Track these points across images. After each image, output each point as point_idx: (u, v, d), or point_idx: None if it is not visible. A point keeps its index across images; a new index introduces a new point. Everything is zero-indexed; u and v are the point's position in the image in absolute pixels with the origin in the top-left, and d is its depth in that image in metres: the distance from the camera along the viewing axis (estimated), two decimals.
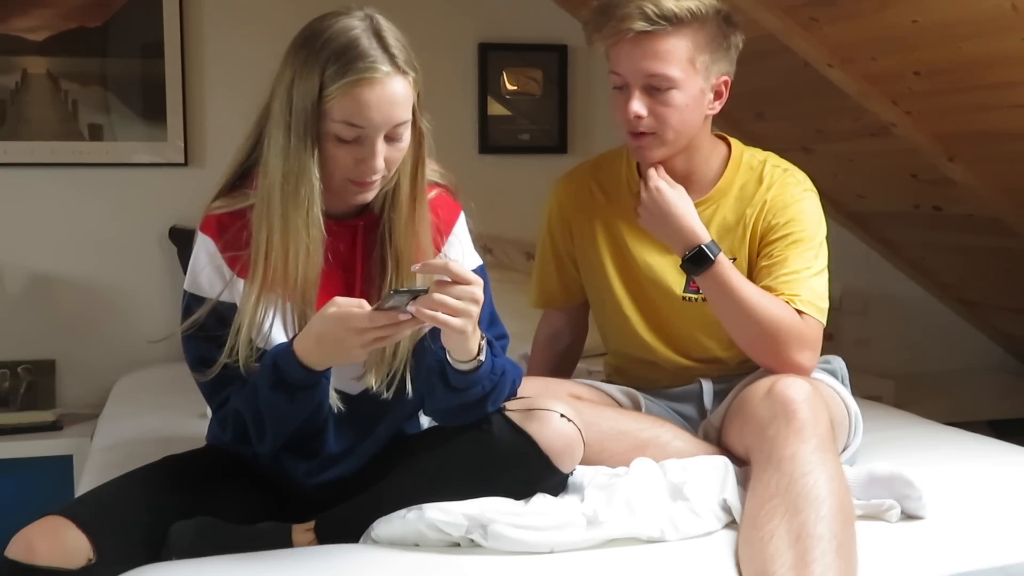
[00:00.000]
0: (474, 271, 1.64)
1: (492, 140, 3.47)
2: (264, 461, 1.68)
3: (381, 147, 1.54)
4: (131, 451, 2.08)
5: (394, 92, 1.52)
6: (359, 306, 1.45)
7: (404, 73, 1.54)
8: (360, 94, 1.50)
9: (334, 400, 1.61)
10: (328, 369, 1.54)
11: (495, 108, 3.47)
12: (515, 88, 3.48)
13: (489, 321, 1.69)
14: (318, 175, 1.54)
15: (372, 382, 1.61)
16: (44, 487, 2.80)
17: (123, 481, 1.64)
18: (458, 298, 1.45)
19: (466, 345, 1.53)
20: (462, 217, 1.74)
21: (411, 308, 1.44)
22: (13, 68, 3.06)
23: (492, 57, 3.44)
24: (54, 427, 2.94)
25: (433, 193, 1.70)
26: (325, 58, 1.51)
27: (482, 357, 1.56)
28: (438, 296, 1.44)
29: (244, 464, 1.72)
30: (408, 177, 1.62)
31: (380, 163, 1.55)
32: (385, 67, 1.51)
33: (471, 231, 1.76)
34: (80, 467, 2.62)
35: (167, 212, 3.13)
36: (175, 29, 3.14)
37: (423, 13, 3.35)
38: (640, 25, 1.83)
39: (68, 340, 3.16)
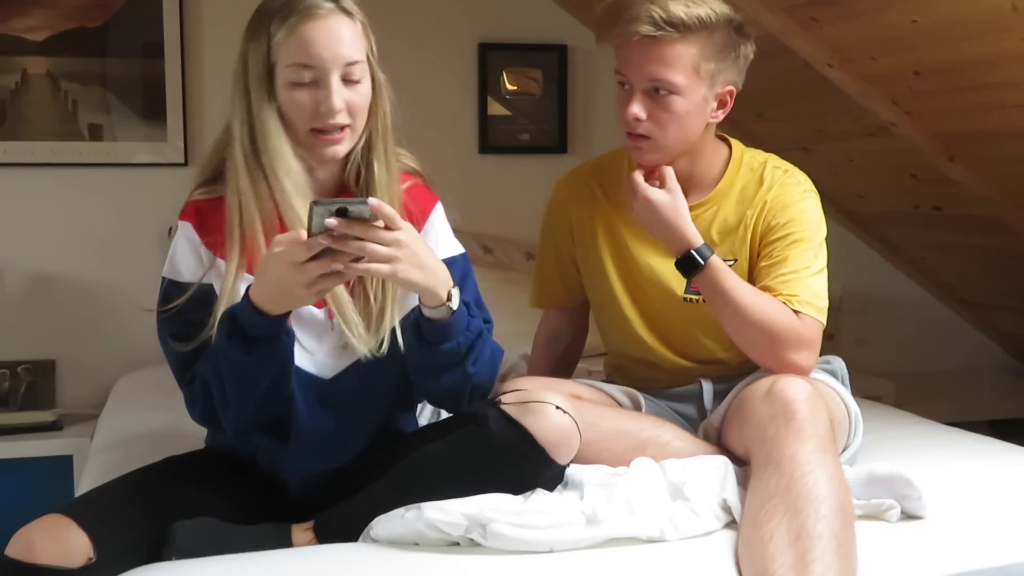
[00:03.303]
0: (455, 259, 1.70)
1: (492, 140, 3.48)
2: (238, 440, 1.68)
3: (338, 86, 1.56)
4: (131, 451, 2.09)
5: (339, 29, 1.56)
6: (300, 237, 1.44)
7: (348, 14, 1.58)
8: (304, 32, 1.54)
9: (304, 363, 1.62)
10: (287, 326, 1.54)
11: (495, 108, 3.47)
12: (515, 88, 3.48)
13: (475, 307, 1.70)
14: (279, 124, 1.57)
15: (360, 347, 1.60)
16: (44, 487, 2.80)
17: (124, 481, 1.65)
18: (385, 244, 1.45)
19: (431, 291, 1.52)
20: (439, 207, 1.76)
21: (336, 266, 1.43)
22: (13, 68, 3.06)
23: (492, 57, 3.44)
24: (54, 427, 2.94)
25: (408, 183, 1.72)
26: (270, 16, 1.57)
27: (453, 305, 1.56)
28: (360, 244, 1.43)
29: (244, 465, 1.72)
30: (375, 131, 1.64)
31: (337, 102, 1.56)
32: (328, 4, 1.56)
33: (451, 222, 1.77)
34: (80, 467, 2.62)
35: (167, 212, 3.10)
36: (175, 29, 3.14)
37: (423, 13, 3.36)
38: (647, 30, 1.82)
39: (68, 340, 3.16)
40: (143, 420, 2.40)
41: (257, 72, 1.58)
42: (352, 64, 1.57)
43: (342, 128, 1.59)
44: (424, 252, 1.52)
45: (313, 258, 1.43)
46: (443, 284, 1.55)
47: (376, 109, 1.64)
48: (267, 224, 1.59)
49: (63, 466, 2.84)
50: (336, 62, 1.55)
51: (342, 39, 1.56)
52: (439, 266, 1.55)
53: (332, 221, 1.41)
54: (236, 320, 1.51)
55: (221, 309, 1.55)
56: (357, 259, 1.45)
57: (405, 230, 1.48)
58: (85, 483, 2.02)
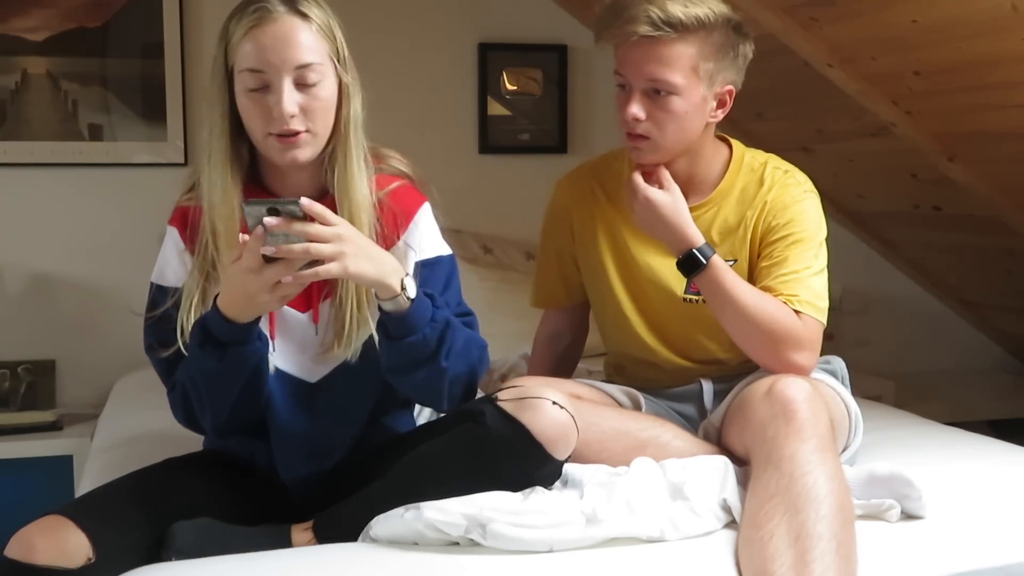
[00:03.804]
0: (441, 259, 1.70)
1: (492, 140, 3.47)
2: (223, 441, 1.69)
3: (289, 91, 1.54)
4: (131, 451, 2.09)
5: (289, 32, 1.54)
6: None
7: (304, 17, 1.56)
8: (255, 36, 1.54)
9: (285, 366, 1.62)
10: (258, 331, 1.54)
11: (495, 108, 3.47)
12: (515, 88, 3.48)
13: (456, 303, 1.71)
14: (227, 149, 1.58)
15: (336, 350, 1.62)
16: (44, 487, 2.80)
17: (123, 481, 1.65)
18: (327, 240, 1.45)
19: (383, 281, 1.51)
20: (426, 207, 1.73)
21: (287, 279, 1.43)
22: (13, 68, 3.06)
23: (492, 57, 3.44)
24: (54, 427, 2.94)
25: (395, 185, 1.70)
26: (230, 18, 1.57)
27: (409, 294, 1.54)
28: (305, 247, 1.42)
29: (243, 466, 1.72)
30: (342, 133, 1.62)
31: (288, 106, 1.54)
32: (280, 8, 1.54)
33: (440, 223, 1.76)
34: (80, 467, 2.62)
35: (167, 212, 3.11)
36: (175, 29, 3.14)
37: (423, 13, 3.36)
38: (645, 30, 1.82)
39: (68, 340, 3.16)
40: (143, 420, 2.40)
41: (218, 76, 1.58)
42: (305, 67, 1.55)
43: (299, 132, 1.57)
44: (368, 243, 1.52)
45: (270, 264, 1.43)
46: (394, 274, 1.53)
47: (342, 111, 1.62)
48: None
49: (63, 466, 2.84)
50: (286, 66, 1.54)
51: (293, 42, 1.54)
52: (386, 256, 1.54)
53: (270, 220, 1.41)
54: (207, 329, 1.52)
55: (185, 316, 1.57)
56: (308, 265, 1.44)
57: (342, 225, 1.48)
58: (85, 483, 2.02)
